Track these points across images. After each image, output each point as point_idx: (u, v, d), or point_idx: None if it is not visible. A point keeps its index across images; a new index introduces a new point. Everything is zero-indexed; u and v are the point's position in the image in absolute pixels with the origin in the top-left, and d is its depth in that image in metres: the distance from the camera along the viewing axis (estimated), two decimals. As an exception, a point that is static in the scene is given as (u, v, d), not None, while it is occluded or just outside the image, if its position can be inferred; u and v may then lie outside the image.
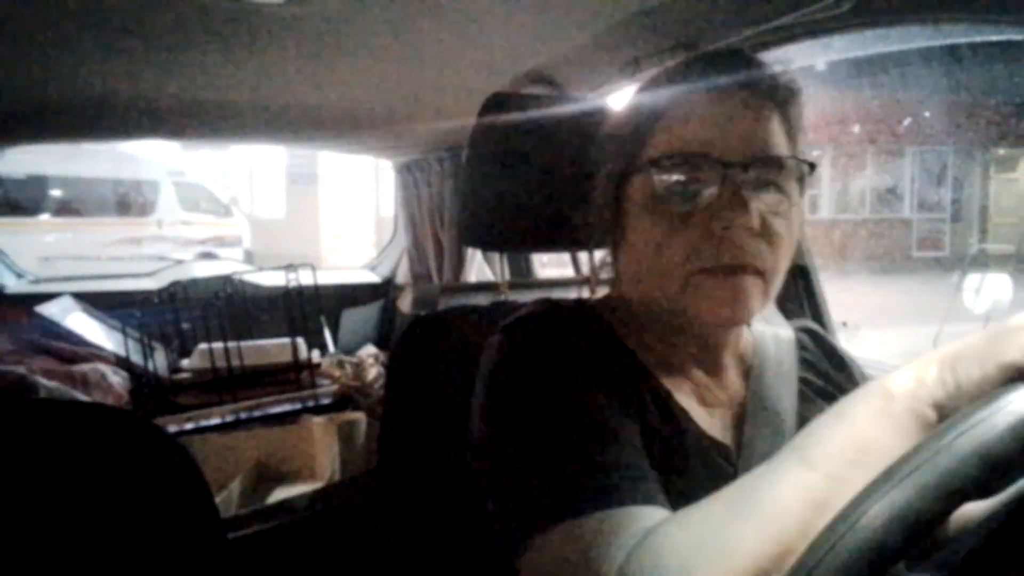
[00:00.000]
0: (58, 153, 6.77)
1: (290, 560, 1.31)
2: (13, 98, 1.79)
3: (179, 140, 2.46)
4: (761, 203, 0.60)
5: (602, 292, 0.79)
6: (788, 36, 1.11)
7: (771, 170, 0.61)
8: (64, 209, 7.28)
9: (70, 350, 1.98)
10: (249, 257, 7.68)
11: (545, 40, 1.41)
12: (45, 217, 7.17)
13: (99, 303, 2.36)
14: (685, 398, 0.67)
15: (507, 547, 0.57)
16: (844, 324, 1.35)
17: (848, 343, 1.28)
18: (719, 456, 0.64)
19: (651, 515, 0.52)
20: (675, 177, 0.61)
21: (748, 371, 0.71)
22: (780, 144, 0.62)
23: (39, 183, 7.08)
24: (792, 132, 0.64)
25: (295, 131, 2.29)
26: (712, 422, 0.67)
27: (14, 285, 2.53)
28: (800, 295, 1.28)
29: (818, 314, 1.28)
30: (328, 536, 1.33)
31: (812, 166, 0.63)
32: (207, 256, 7.15)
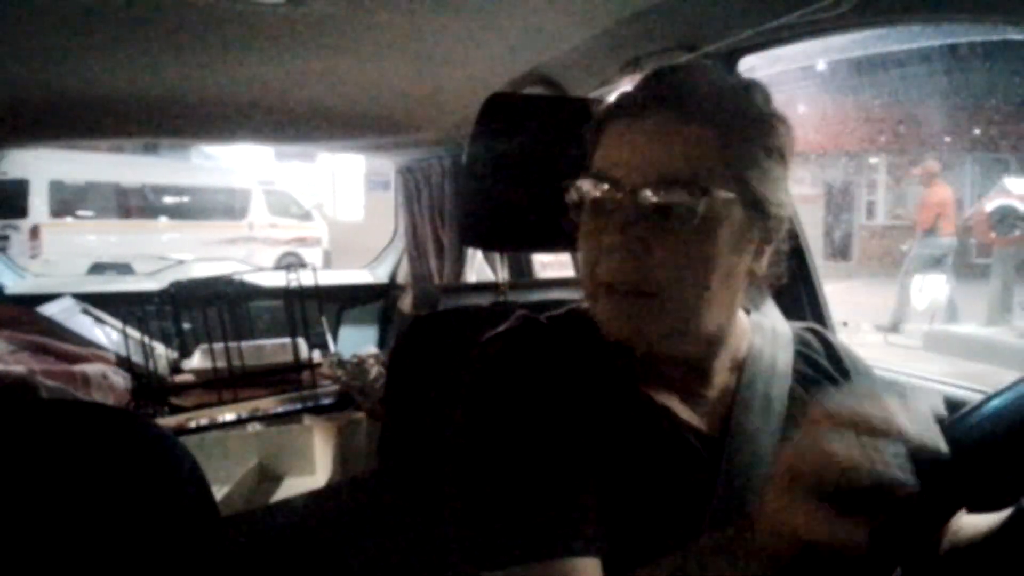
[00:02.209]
0: (170, 166, 8.59)
1: (290, 560, 1.31)
2: (13, 98, 1.79)
3: (179, 140, 2.46)
4: (654, 225, 0.60)
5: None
6: (788, 36, 1.11)
7: (675, 192, 0.59)
8: (175, 213, 8.65)
9: (71, 350, 1.98)
10: (328, 257, 8.74)
11: (545, 40, 1.42)
12: (163, 220, 8.56)
13: (100, 303, 2.36)
14: (666, 396, 0.68)
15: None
16: (845, 324, 1.35)
17: (849, 341, 1.29)
18: (702, 447, 0.65)
19: (583, 569, 0.56)
20: (592, 195, 0.63)
21: (740, 365, 0.71)
22: (703, 165, 0.60)
23: (157, 191, 8.50)
24: (723, 149, 0.61)
25: (296, 131, 2.29)
26: (694, 416, 0.68)
27: (15, 285, 2.53)
28: (801, 295, 1.28)
29: (819, 314, 1.28)
30: (328, 536, 1.33)
31: (730, 198, 0.61)
32: (290, 255, 8.35)
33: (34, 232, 7.36)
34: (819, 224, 8.90)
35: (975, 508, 0.43)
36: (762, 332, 0.74)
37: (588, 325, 0.70)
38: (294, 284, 2.21)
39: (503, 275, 1.10)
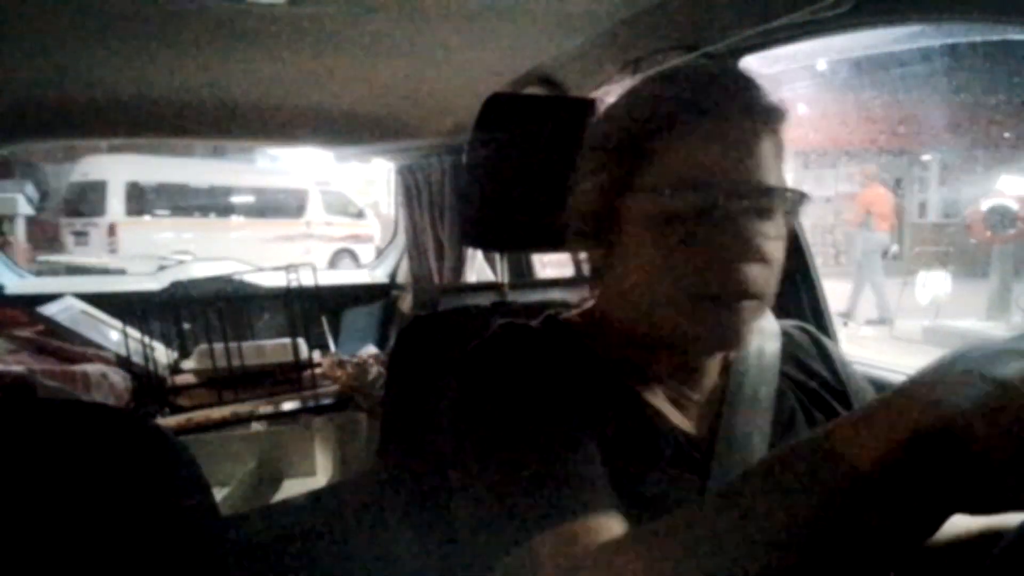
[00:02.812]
0: (236, 168, 9.35)
1: (290, 560, 1.31)
2: (13, 98, 1.79)
3: (179, 140, 2.46)
4: (759, 231, 0.60)
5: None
6: (788, 36, 1.11)
7: (766, 198, 0.61)
8: (240, 212, 9.33)
9: (71, 350, 1.98)
10: (380, 253, 9.15)
11: (545, 40, 1.42)
12: (229, 218, 9.21)
13: (100, 303, 2.36)
14: (659, 400, 0.67)
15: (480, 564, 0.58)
16: (845, 324, 1.36)
17: (849, 340, 1.29)
18: (692, 450, 0.65)
19: (606, 526, 0.53)
20: (679, 202, 0.60)
21: (728, 365, 0.72)
22: (772, 169, 0.62)
23: (224, 192, 9.16)
24: (780, 154, 0.64)
25: (295, 131, 2.29)
26: (684, 419, 0.68)
27: (15, 285, 2.53)
28: (801, 294, 1.28)
29: (818, 312, 1.28)
30: (328, 536, 1.33)
31: (803, 195, 0.64)
32: (344, 251, 8.94)
33: (111, 229, 8.12)
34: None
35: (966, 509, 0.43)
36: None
37: (568, 331, 0.70)
38: (294, 284, 2.21)
39: (503, 275, 1.10)
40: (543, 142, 0.90)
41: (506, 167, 0.92)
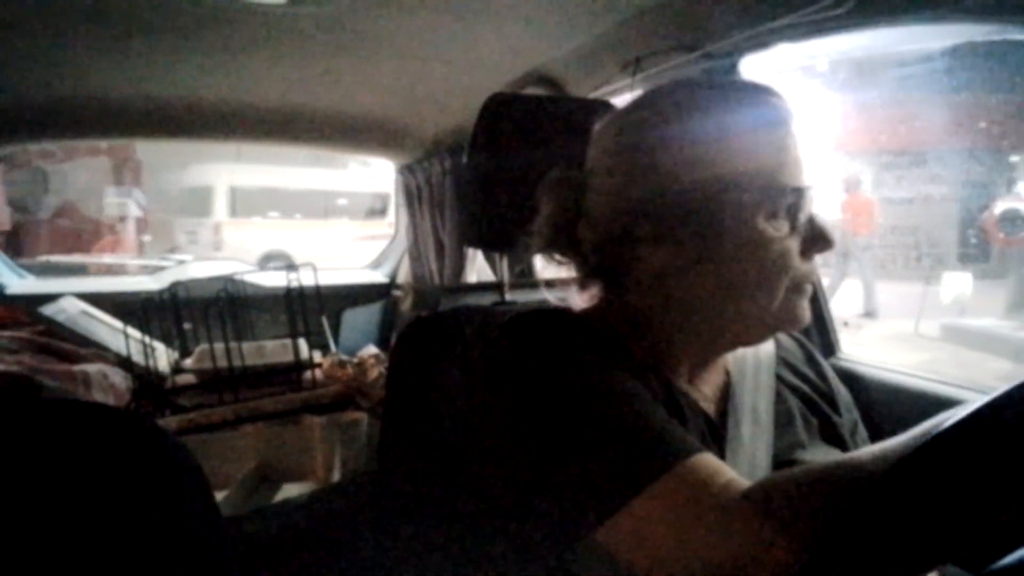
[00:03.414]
0: (330, 173, 10.24)
1: (291, 560, 1.31)
2: (13, 98, 1.79)
3: (179, 140, 2.46)
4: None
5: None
6: (788, 36, 1.11)
7: (813, 198, 0.68)
8: (332, 213, 10.25)
9: (72, 350, 1.98)
10: None
11: (545, 40, 1.42)
12: (326, 220, 10.07)
13: (101, 303, 2.36)
14: (682, 383, 0.72)
15: (575, 533, 0.57)
16: (846, 324, 1.36)
17: (851, 340, 1.29)
18: (709, 431, 0.69)
19: (726, 466, 0.56)
20: (778, 202, 0.65)
21: (731, 361, 0.77)
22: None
23: (318, 195, 10.05)
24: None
25: (296, 131, 2.29)
26: (706, 401, 0.72)
27: (16, 285, 2.53)
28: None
29: (819, 313, 1.28)
30: (328, 536, 1.33)
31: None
32: None
33: (216, 229, 9.18)
34: (954, 225, 8.72)
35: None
36: None
37: (586, 323, 0.72)
38: (294, 284, 2.21)
39: (503, 275, 1.10)
40: (543, 142, 0.90)
41: (506, 167, 0.92)
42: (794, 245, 0.66)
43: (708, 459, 0.56)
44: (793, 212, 0.65)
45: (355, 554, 1.24)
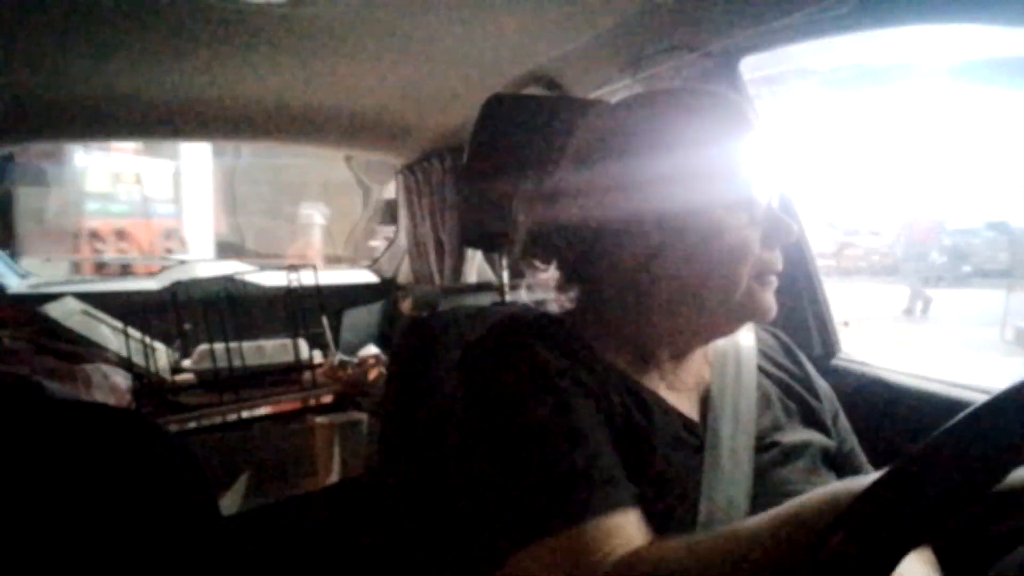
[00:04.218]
0: None
1: (291, 559, 1.31)
2: (13, 98, 1.79)
3: (179, 140, 2.46)
4: None
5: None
6: (788, 36, 1.11)
7: (777, 196, 0.72)
8: None
9: (72, 350, 1.98)
10: None
11: (545, 40, 1.42)
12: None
13: (101, 303, 2.36)
14: (655, 384, 0.73)
15: (485, 566, 0.60)
16: (846, 324, 1.36)
17: (851, 340, 1.29)
18: (687, 431, 0.70)
19: (623, 526, 0.56)
20: (738, 199, 0.69)
21: (707, 357, 0.79)
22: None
23: None
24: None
25: (296, 131, 2.29)
26: (680, 402, 0.73)
27: (17, 285, 2.53)
28: (802, 295, 1.28)
29: (820, 313, 1.28)
30: (329, 536, 1.33)
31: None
32: None
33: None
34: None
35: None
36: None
37: (564, 329, 0.74)
38: (295, 284, 2.21)
39: (503, 275, 1.10)
40: (543, 142, 0.90)
41: (506, 167, 0.92)
42: (754, 235, 0.69)
43: (603, 523, 0.56)
44: (750, 203, 0.69)
45: (355, 554, 1.24)
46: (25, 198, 4.54)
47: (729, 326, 0.74)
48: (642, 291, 0.73)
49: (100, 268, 5.47)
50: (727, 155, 0.70)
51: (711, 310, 0.71)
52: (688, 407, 0.73)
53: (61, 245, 5.57)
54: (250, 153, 6.32)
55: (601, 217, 0.72)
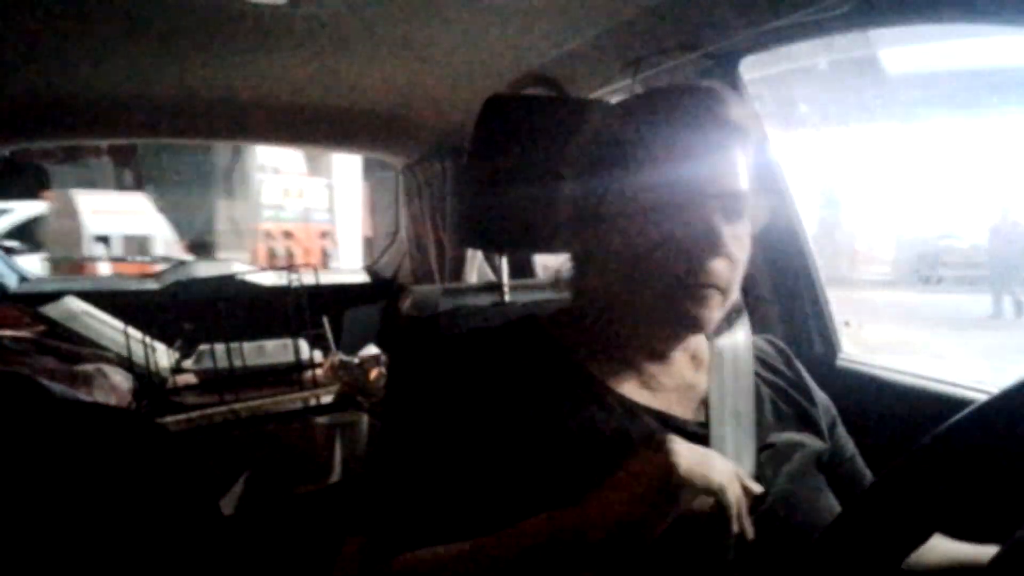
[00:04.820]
0: None
1: (291, 560, 1.31)
2: (13, 98, 1.79)
3: (180, 140, 2.46)
4: (724, 230, 0.68)
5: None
6: (788, 36, 1.11)
7: (737, 201, 0.69)
8: None
9: (73, 350, 1.98)
10: None
11: (545, 40, 1.42)
12: None
13: (102, 303, 2.36)
14: (632, 388, 0.74)
15: None
16: (847, 324, 1.36)
17: (852, 341, 1.29)
18: (671, 429, 0.70)
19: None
20: (657, 203, 0.68)
21: (698, 361, 0.79)
22: (742, 175, 0.70)
23: None
24: (748, 163, 0.72)
25: (296, 132, 2.29)
26: (657, 401, 0.74)
27: (16, 285, 2.53)
28: (802, 296, 1.28)
29: (820, 315, 1.28)
30: (328, 536, 1.33)
31: (769, 199, 0.74)
32: None
33: None
34: None
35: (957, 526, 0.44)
36: (722, 336, 0.80)
37: (541, 336, 0.76)
38: (295, 284, 2.21)
39: (504, 275, 1.10)
40: (543, 142, 0.90)
41: (506, 167, 0.92)
42: (674, 244, 0.67)
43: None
44: (675, 212, 0.67)
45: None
46: (221, 208, 7.07)
47: (663, 333, 0.74)
48: (590, 296, 0.75)
49: (272, 259, 7.06)
50: (646, 158, 0.69)
51: (638, 317, 0.72)
52: (668, 406, 0.74)
53: (243, 242, 7.56)
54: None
55: (556, 218, 0.75)
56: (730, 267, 0.69)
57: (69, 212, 4.42)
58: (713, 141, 0.69)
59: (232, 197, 7.64)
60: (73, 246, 4.14)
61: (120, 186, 7.55)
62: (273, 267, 2.47)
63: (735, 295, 0.73)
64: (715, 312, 0.70)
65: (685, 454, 0.57)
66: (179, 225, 5.96)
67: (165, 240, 5.38)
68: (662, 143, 0.69)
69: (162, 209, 5.70)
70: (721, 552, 0.60)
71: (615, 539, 0.55)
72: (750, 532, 0.58)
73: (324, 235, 8.19)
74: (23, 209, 5.15)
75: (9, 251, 4.23)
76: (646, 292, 0.69)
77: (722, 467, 0.58)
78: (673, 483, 0.55)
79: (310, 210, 7.97)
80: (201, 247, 6.66)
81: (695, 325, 0.70)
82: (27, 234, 4.76)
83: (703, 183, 0.68)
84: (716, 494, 0.56)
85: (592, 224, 0.72)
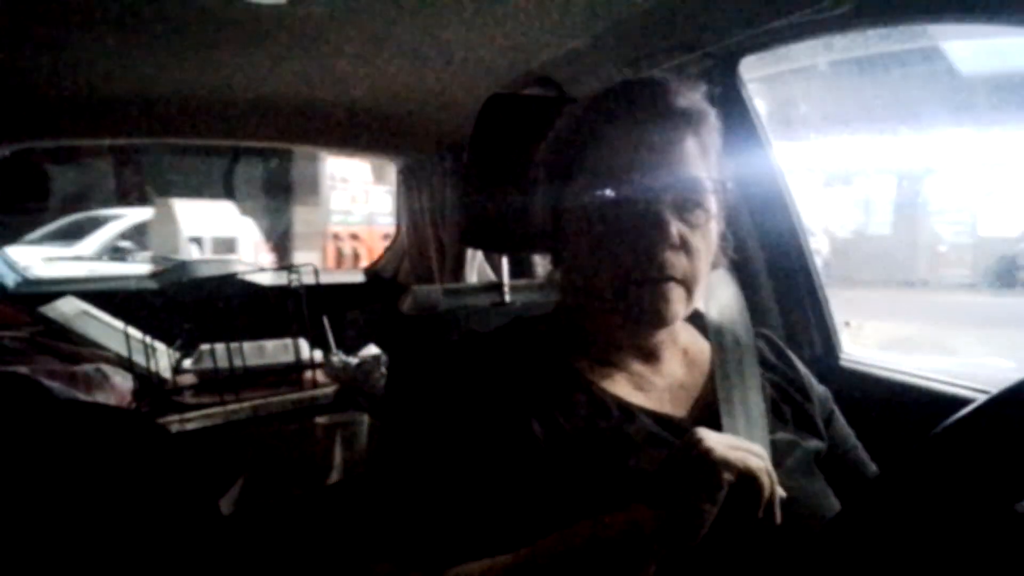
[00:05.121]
0: None
1: (290, 560, 1.31)
2: (14, 98, 1.79)
3: (180, 140, 2.46)
4: (681, 222, 0.68)
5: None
6: (788, 36, 1.11)
7: (690, 190, 0.69)
8: None
9: (73, 350, 1.98)
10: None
11: (545, 40, 1.42)
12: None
13: (102, 303, 2.36)
14: (622, 388, 0.73)
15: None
16: (847, 324, 1.36)
17: (852, 340, 1.29)
18: (664, 428, 0.70)
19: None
20: (606, 199, 0.68)
21: (691, 360, 0.79)
22: (696, 164, 0.70)
23: None
24: (706, 151, 0.72)
25: (296, 131, 2.29)
26: (650, 401, 0.73)
27: (15, 285, 2.53)
28: (803, 296, 1.28)
29: (820, 314, 1.28)
30: (328, 536, 1.33)
31: (725, 184, 0.72)
32: None
33: None
34: None
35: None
36: (723, 333, 0.80)
37: (535, 338, 0.77)
38: (295, 284, 2.21)
39: (504, 275, 1.11)
40: (543, 142, 0.90)
41: (506, 167, 0.92)
42: (626, 236, 0.68)
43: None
44: (623, 206, 0.67)
45: (355, 554, 1.24)
46: (298, 213, 8.18)
47: (628, 329, 0.73)
48: (574, 294, 0.76)
49: (339, 263, 7.65)
50: (598, 152, 0.70)
51: (604, 313, 0.72)
52: (661, 405, 0.74)
53: (315, 243, 8.29)
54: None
55: (538, 219, 0.76)
56: (688, 258, 0.68)
57: (169, 217, 5.29)
58: (658, 133, 0.69)
59: (306, 204, 8.58)
60: (171, 247, 4.84)
61: (120, 187, 7.74)
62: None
63: (701, 286, 0.72)
64: (676, 305, 0.69)
65: (716, 438, 0.58)
66: (264, 228, 6.96)
67: (254, 242, 6.28)
68: (608, 139, 0.69)
69: (250, 214, 6.59)
70: (750, 537, 0.60)
71: (670, 532, 0.56)
72: (779, 515, 0.58)
73: (386, 236, 8.87)
74: (133, 215, 6.18)
75: (121, 251, 5.30)
76: (605, 289, 0.69)
77: (753, 449, 0.59)
78: (716, 466, 0.56)
79: (374, 214, 8.67)
80: (281, 248, 7.59)
81: (654, 319, 0.69)
82: (136, 236, 5.83)
83: (649, 175, 0.68)
84: (754, 474, 0.56)
85: (559, 223, 0.74)
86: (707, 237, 0.70)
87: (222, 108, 1.99)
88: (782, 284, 1.28)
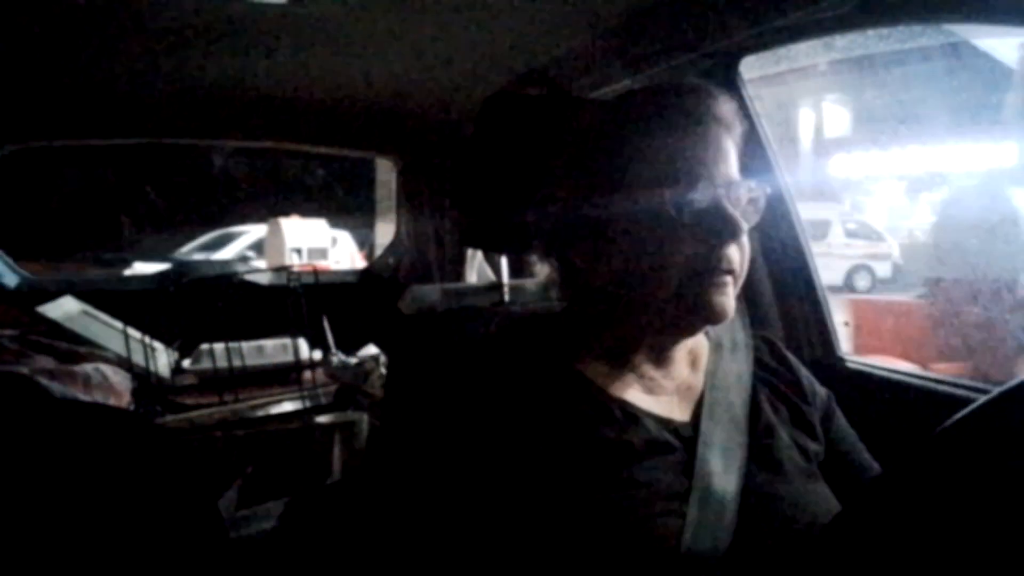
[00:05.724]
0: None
1: (290, 560, 1.31)
2: (16, 97, 1.79)
3: (179, 139, 2.46)
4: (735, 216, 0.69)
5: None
6: (789, 36, 1.11)
7: (736, 189, 0.70)
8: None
9: (72, 350, 1.98)
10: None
11: (545, 40, 1.42)
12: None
13: (101, 303, 2.36)
14: (633, 392, 0.73)
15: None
16: (846, 324, 1.36)
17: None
18: (669, 433, 0.70)
19: None
20: (671, 194, 0.68)
21: (695, 361, 0.79)
22: (735, 167, 0.72)
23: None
24: (739, 155, 0.73)
25: (295, 131, 2.30)
26: (659, 405, 0.73)
27: (15, 285, 2.53)
28: (802, 296, 1.28)
29: (819, 314, 1.28)
30: (328, 536, 1.33)
31: (763, 189, 0.73)
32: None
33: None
34: None
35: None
36: (720, 335, 0.80)
37: (543, 341, 0.76)
38: (294, 284, 2.21)
39: (504, 275, 1.10)
40: (543, 142, 0.90)
41: (506, 167, 0.92)
42: (689, 233, 0.68)
43: None
44: (685, 200, 0.68)
45: (355, 554, 1.24)
46: (379, 225, 8.59)
47: (675, 327, 0.73)
48: (593, 294, 0.74)
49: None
50: (652, 153, 0.69)
51: (648, 311, 0.71)
52: (669, 409, 0.73)
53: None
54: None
55: (559, 219, 0.75)
56: (740, 252, 0.70)
57: (278, 233, 7.06)
58: (711, 134, 0.70)
59: (386, 221, 9.18)
60: (279, 256, 6.42)
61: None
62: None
63: (741, 281, 0.73)
64: (732, 299, 0.70)
65: None
66: (357, 240, 8.36)
67: (351, 252, 7.86)
68: (667, 138, 0.69)
69: (347, 227, 8.32)
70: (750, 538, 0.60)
71: None
72: None
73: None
74: (255, 231, 8.43)
75: (247, 259, 7.20)
76: (663, 287, 0.68)
77: None
78: None
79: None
80: (371, 256, 8.35)
81: (718, 313, 0.69)
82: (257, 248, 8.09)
83: (709, 173, 0.69)
84: None
85: (594, 226, 0.72)
86: (749, 234, 0.72)
87: (223, 107, 1.99)
88: (782, 284, 1.28)
